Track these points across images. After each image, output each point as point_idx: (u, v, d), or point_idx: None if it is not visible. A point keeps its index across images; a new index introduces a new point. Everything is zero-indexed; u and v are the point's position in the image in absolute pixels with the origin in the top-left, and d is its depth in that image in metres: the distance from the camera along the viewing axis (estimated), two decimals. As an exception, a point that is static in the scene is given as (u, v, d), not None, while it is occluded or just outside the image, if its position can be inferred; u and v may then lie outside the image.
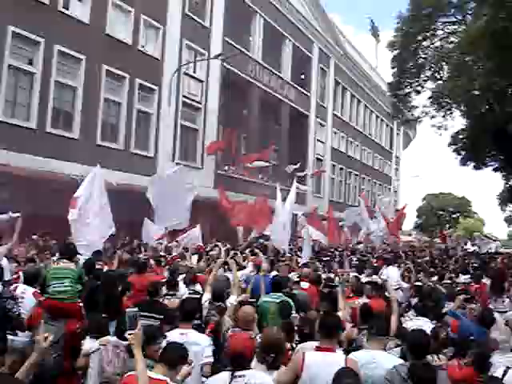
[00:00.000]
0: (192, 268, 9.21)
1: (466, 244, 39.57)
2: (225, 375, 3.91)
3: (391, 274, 11.18)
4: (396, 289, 9.94)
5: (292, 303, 6.72)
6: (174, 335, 4.89)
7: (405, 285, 10.86)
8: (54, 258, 7.05)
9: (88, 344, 5.06)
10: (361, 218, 23.55)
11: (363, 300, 7.70)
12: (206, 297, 6.56)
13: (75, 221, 9.77)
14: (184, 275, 8.41)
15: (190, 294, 7.35)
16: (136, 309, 4.38)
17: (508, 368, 4.62)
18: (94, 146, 18.70)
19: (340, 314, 6.47)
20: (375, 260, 15.68)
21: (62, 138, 17.77)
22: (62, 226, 10.02)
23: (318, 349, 4.42)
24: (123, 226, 13.84)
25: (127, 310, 4.37)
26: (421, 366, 4.05)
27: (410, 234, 61.80)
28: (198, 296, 6.82)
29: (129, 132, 20.57)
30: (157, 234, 14.32)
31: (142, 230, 14.52)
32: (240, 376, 3.80)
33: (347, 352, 4.74)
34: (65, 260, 6.51)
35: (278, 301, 6.74)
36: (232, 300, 6.36)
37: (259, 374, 3.92)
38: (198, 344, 4.92)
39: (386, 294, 7.64)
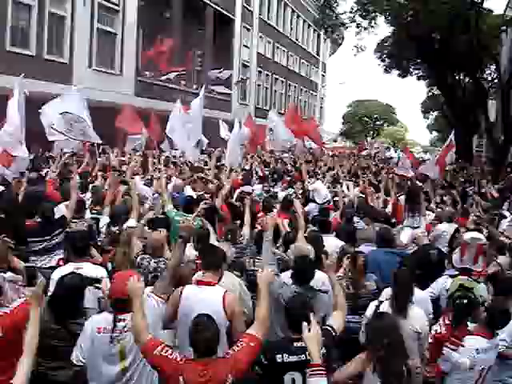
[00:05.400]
0: (96, 186, 8.63)
1: (388, 150, 41.17)
2: (108, 317, 3.80)
3: (318, 187, 10.60)
4: (323, 203, 9.88)
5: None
6: (66, 270, 4.72)
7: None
8: None
9: None
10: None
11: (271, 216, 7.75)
12: (104, 221, 6.45)
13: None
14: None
15: (91, 218, 6.99)
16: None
17: (380, 302, 4.67)
18: (3, 53, 17.65)
19: (244, 229, 6.64)
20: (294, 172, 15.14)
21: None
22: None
23: (197, 282, 4.43)
24: (36, 139, 13.46)
25: None
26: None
27: (335, 140, 63.25)
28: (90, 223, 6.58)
29: (41, 37, 19.34)
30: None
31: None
32: (122, 320, 3.72)
33: None
34: None
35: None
36: (131, 223, 6.10)
37: None
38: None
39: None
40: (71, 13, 20.68)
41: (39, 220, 6.34)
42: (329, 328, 3.80)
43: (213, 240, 6.00)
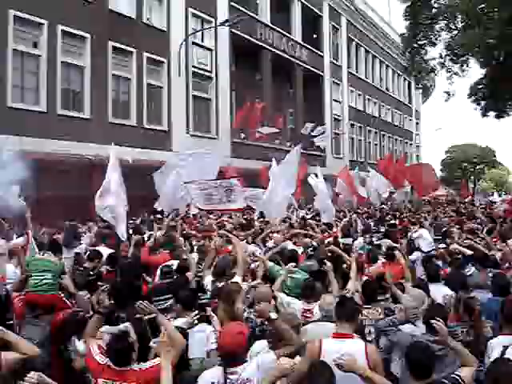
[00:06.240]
0: (202, 246, 8.67)
1: (492, 195, 38.99)
2: (218, 371, 3.74)
3: (424, 235, 10.69)
4: (429, 251, 9.72)
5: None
6: (176, 324, 4.76)
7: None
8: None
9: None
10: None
11: (376, 267, 7.51)
12: (208, 279, 6.43)
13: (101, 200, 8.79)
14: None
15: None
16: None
17: (505, 347, 4.26)
18: (106, 124, 18.61)
19: (350, 283, 6.26)
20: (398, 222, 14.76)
21: (73, 118, 17.67)
22: (84, 207, 9.62)
23: (335, 335, 4.24)
24: (142, 203, 13.80)
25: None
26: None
27: (436, 189, 60.91)
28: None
29: (140, 107, 20.38)
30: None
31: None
32: (232, 373, 3.65)
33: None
34: (49, 253, 6.45)
35: (297, 276, 6.55)
36: (236, 280, 6.00)
37: (250, 368, 3.72)
38: (202, 331, 4.84)
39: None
40: (167, 82, 21.67)
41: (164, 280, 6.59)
42: (457, 377, 3.63)
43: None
